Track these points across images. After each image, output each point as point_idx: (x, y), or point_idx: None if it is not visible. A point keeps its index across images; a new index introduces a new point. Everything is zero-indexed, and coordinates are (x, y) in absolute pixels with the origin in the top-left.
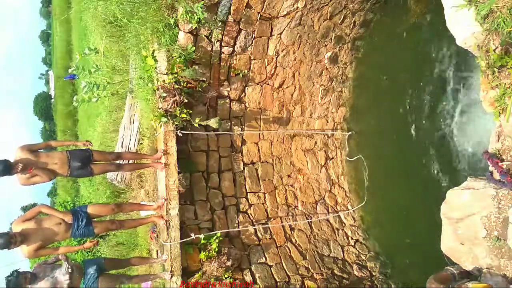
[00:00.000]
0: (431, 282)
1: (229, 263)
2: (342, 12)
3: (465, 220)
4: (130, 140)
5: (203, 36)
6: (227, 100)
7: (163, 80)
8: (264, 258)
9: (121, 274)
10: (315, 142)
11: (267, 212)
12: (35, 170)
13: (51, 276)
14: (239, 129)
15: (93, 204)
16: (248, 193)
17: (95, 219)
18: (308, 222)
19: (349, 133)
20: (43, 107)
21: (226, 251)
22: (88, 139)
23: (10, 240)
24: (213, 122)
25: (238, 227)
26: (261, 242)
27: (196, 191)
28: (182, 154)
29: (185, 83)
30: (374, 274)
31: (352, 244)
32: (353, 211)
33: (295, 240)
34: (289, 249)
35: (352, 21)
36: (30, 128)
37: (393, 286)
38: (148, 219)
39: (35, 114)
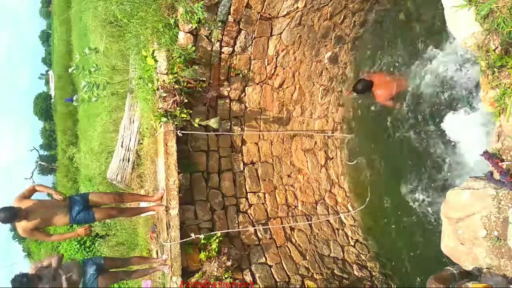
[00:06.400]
0: (431, 282)
1: (229, 263)
2: (342, 12)
3: (465, 220)
4: (130, 140)
5: (203, 36)
6: (227, 100)
7: (163, 80)
8: (264, 258)
9: (120, 271)
10: (315, 142)
11: (267, 212)
12: None
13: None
14: (239, 129)
15: (94, 192)
16: (248, 193)
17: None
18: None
19: (349, 136)
20: (43, 107)
21: (226, 251)
22: (88, 138)
23: (16, 214)
24: (213, 122)
25: (238, 227)
26: (261, 242)
27: (196, 191)
28: (182, 154)
29: (185, 83)
30: (374, 274)
31: (352, 244)
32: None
33: (295, 240)
34: (289, 249)
35: (352, 21)
36: (30, 128)
37: (393, 286)
38: (148, 208)
39: (35, 114)
